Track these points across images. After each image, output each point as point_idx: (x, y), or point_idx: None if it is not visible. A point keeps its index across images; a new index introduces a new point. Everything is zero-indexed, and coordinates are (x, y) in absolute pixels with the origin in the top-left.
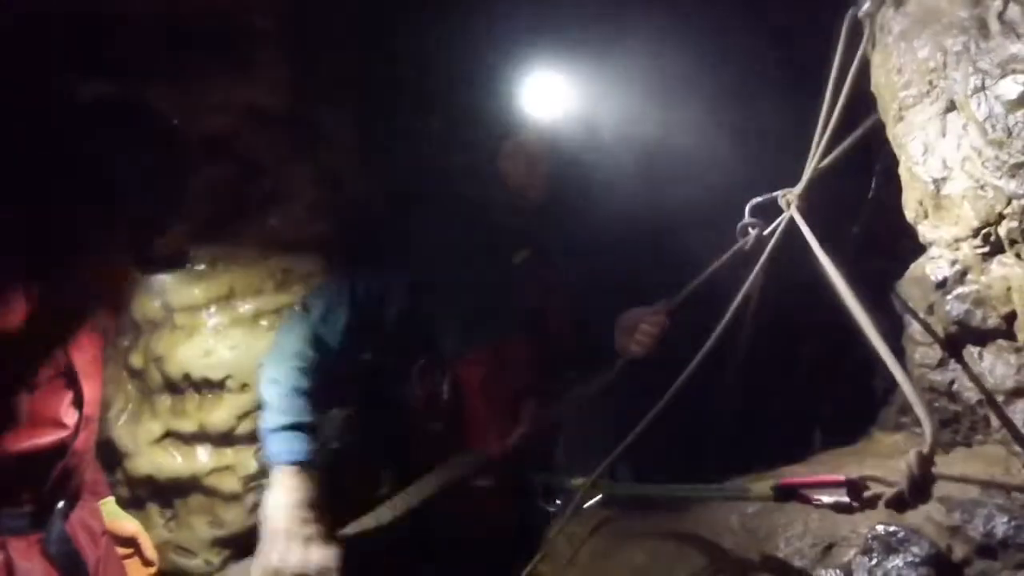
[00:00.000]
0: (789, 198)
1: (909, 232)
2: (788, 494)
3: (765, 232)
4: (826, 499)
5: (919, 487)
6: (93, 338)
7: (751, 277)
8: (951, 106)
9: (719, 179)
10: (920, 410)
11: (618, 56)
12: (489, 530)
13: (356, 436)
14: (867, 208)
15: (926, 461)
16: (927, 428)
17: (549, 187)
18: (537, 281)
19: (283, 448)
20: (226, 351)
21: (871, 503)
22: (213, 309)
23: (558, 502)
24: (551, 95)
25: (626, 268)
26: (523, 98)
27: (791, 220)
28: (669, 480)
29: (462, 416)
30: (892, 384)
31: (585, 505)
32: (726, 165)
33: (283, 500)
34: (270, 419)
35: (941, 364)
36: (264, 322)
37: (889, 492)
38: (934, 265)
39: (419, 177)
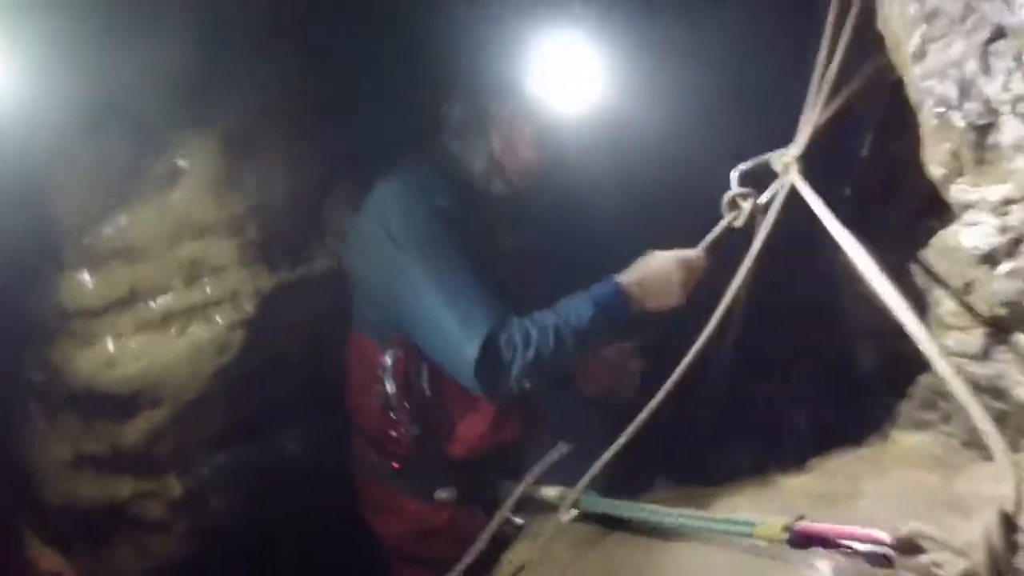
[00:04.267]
0: (786, 160)
1: (923, 193)
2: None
3: (759, 202)
4: (860, 548)
5: (1002, 563)
6: None
7: (748, 259)
8: (998, 33)
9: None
10: (995, 442)
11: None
12: (455, 545)
13: None
14: (861, 168)
15: (1010, 525)
16: (1007, 471)
17: (539, 176)
18: (522, 271)
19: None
20: (132, 361)
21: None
22: (112, 312)
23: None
24: (568, 68)
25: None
26: (535, 63)
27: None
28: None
29: (444, 417)
30: (903, 371)
31: (564, 519)
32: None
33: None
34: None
35: (983, 354)
36: (173, 327)
37: (960, 567)
38: (975, 234)
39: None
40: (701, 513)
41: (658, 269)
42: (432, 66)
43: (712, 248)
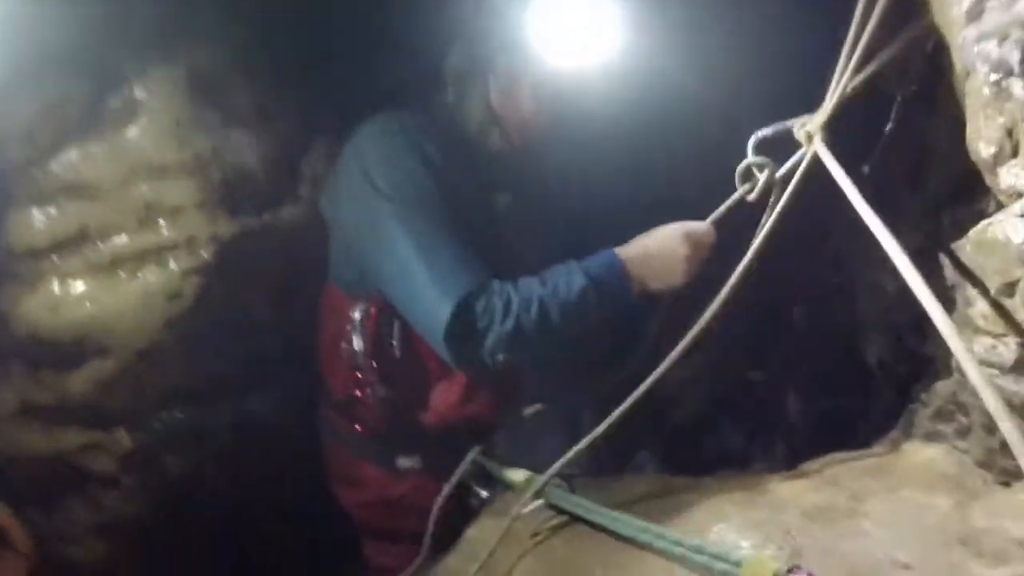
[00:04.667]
0: (810, 129)
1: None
2: None
3: (777, 174)
4: None
5: None
6: None
7: (760, 235)
8: None
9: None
10: None
11: None
12: (423, 520)
13: None
14: (886, 146)
15: None
16: None
17: (540, 134)
18: (517, 235)
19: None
20: (76, 306)
21: None
22: (60, 253)
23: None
24: (575, 20)
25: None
26: (540, 11)
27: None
28: None
29: (416, 381)
30: (915, 372)
31: (527, 509)
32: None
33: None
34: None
35: (1018, 367)
36: (123, 270)
37: None
38: None
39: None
40: (681, 538)
41: (662, 242)
42: (427, 12)
43: (722, 222)
